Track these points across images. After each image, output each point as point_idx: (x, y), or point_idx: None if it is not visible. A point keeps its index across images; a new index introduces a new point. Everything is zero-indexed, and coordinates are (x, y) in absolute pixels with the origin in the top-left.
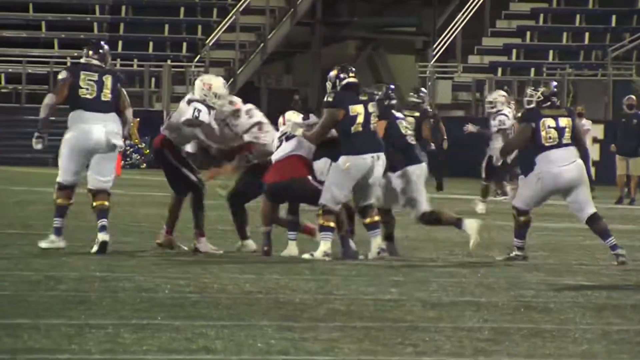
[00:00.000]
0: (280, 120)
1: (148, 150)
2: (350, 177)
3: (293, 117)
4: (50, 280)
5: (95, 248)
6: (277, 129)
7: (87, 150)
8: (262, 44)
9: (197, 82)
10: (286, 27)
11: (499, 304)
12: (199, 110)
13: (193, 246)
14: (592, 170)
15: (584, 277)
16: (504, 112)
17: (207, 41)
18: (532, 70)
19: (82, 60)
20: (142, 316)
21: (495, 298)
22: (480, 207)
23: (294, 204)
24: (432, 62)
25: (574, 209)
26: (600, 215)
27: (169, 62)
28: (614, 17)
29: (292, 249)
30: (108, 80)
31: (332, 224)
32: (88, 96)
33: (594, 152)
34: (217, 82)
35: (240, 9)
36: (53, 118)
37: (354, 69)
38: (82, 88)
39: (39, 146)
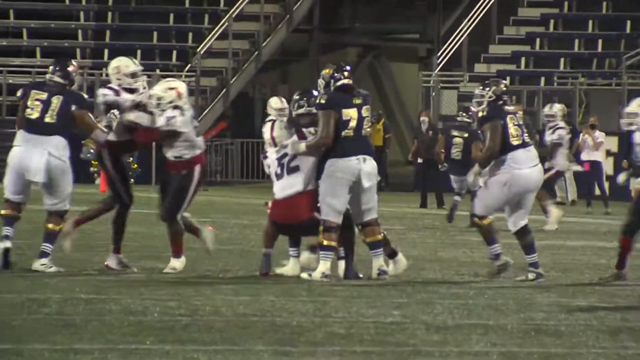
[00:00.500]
0: (267, 130)
1: (136, 165)
2: (340, 181)
3: (282, 129)
4: (32, 303)
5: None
6: (267, 140)
7: (22, 174)
8: (256, 52)
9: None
10: (282, 33)
11: (507, 327)
12: (104, 95)
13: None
14: (606, 185)
15: (597, 298)
16: (562, 126)
17: (199, 49)
18: (542, 79)
19: (47, 77)
20: (130, 340)
21: (503, 321)
22: (552, 221)
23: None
24: (436, 71)
25: (516, 215)
26: (531, 229)
27: (158, 71)
28: (628, 22)
29: (294, 267)
30: (57, 100)
31: (333, 244)
32: (31, 116)
33: (608, 166)
34: (125, 62)
35: (233, 16)
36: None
37: (349, 69)
38: (28, 108)
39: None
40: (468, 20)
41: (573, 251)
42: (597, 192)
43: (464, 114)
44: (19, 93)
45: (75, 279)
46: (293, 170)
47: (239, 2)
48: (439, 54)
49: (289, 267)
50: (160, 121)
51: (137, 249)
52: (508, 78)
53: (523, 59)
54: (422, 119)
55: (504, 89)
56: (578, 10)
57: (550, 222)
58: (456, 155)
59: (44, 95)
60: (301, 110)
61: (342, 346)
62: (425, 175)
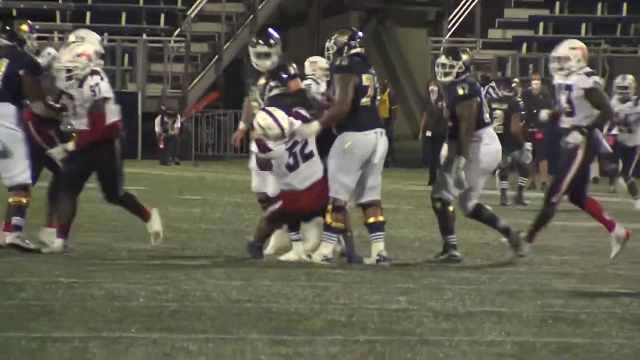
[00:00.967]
0: (249, 109)
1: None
2: (355, 157)
3: (282, 116)
4: (8, 288)
5: None
6: (269, 131)
7: None
8: (251, 16)
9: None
10: None
11: (523, 315)
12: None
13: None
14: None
15: (621, 284)
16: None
17: (189, 12)
18: None
19: None
20: (114, 328)
21: (519, 308)
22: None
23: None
24: (446, 37)
25: (472, 195)
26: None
27: (144, 36)
28: None
29: (298, 251)
30: (3, 64)
31: (341, 225)
32: None
33: None
34: (91, 38)
35: None
36: None
37: (361, 35)
38: None
39: None
40: None
41: (594, 233)
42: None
43: (505, 87)
44: None
45: (55, 261)
46: (308, 157)
47: None
48: (449, 18)
49: (293, 253)
50: (85, 94)
51: (122, 229)
52: (525, 45)
53: (541, 24)
54: (430, 88)
55: (473, 58)
56: None
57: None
58: (497, 128)
59: None
60: (276, 91)
61: (344, 335)
62: (435, 150)
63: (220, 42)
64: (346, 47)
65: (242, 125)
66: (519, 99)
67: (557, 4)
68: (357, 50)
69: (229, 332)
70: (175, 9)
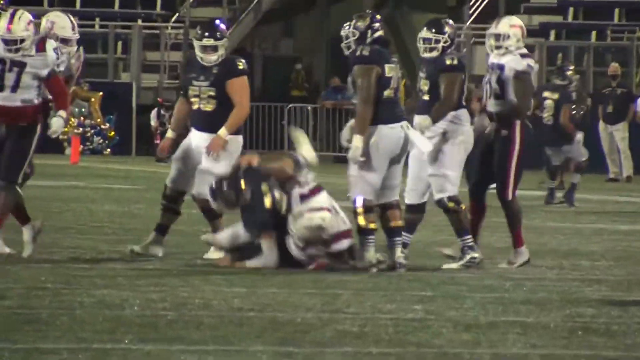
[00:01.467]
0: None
1: (113, 132)
2: (382, 153)
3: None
4: None
5: None
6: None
7: None
8: (255, 1)
9: (43, 21)
10: None
11: (550, 326)
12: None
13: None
14: None
15: None
16: None
17: None
18: (593, 33)
19: None
20: (105, 339)
21: (545, 318)
22: None
23: None
24: (467, 24)
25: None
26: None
27: (139, 22)
28: None
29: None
30: None
31: (374, 226)
32: None
33: None
34: (62, 22)
35: None
36: None
37: (380, 18)
38: None
39: None
40: None
41: (628, 236)
42: None
43: (558, 75)
44: None
45: (41, 266)
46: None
47: None
48: (471, 3)
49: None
50: (49, 58)
51: (114, 231)
52: (553, 32)
53: (571, 10)
54: None
55: (455, 31)
56: None
57: None
58: (547, 119)
59: None
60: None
61: (355, 347)
62: None
63: None
64: (369, 31)
65: (170, 133)
66: (572, 90)
67: None
68: (380, 33)
69: (231, 344)
70: None
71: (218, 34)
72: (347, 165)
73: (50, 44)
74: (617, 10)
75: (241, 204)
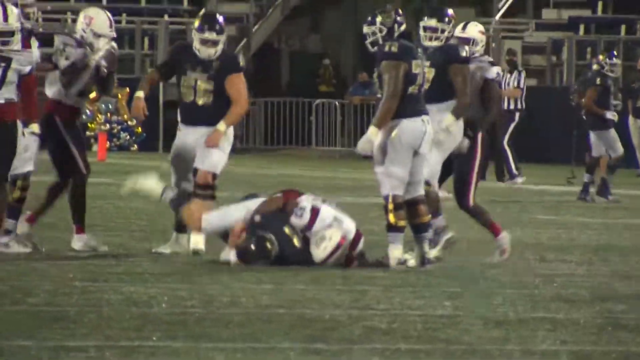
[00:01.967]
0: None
1: (140, 129)
2: (405, 146)
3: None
4: (16, 292)
5: None
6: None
7: None
8: None
9: (80, 16)
10: None
11: (580, 322)
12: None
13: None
14: None
15: None
16: None
17: None
18: (623, 27)
19: None
20: (133, 336)
21: (575, 314)
22: None
23: None
24: (496, 17)
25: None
26: None
27: (166, 17)
28: None
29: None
30: None
31: (403, 223)
32: None
33: None
34: (101, 18)
35: None
36: None
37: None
38: None
39: None
40: None
41: None
42: None
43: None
44: None
45: (68, 263)
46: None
47: None
48: None
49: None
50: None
51: (142, 228)
52: (582, 26)
53: (600, 4)
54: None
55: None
56: None
57: None
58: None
59: None
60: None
61: (384, 344)
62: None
63: (249, 24)
64: (396, 26)
65: (141, 94)
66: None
67: None
68: (404, 26)
69: (259, 341)
70: None
71: (220, 28)
72: (373, 162)
73: (35, 42)
74: None
75: (275, 255)
